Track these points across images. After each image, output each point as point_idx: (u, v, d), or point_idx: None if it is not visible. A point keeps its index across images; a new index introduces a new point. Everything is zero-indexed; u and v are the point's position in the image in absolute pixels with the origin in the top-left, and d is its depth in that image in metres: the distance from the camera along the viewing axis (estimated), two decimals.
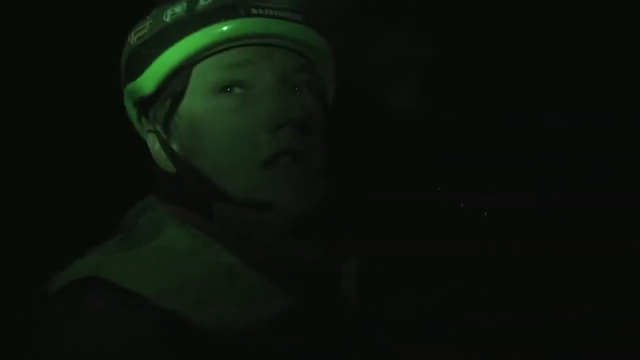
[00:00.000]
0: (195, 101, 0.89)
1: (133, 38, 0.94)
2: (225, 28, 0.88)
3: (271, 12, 0.91)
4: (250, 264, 0.85)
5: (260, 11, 0.90)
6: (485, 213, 2.11)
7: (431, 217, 2.13)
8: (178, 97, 0.91)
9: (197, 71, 0.90)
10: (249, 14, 0.89)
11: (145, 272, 0.80)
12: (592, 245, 2.10)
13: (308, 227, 0.92)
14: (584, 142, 2.17)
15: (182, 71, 0.91)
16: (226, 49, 0.90)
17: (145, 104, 0.96)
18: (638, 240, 2.07)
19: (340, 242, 0.98)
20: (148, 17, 0.94)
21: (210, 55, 0.90)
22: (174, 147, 0.93)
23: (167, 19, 0.90)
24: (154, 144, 0.95)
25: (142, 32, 0.93)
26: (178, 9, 0.90)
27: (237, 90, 0.88)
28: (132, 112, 0.99)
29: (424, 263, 1.96)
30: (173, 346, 0.75)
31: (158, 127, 0.95)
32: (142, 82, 0.92)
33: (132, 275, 0.79)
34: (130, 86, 0.94)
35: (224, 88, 0.89)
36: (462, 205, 2.10)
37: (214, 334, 0.77)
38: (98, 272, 0.79)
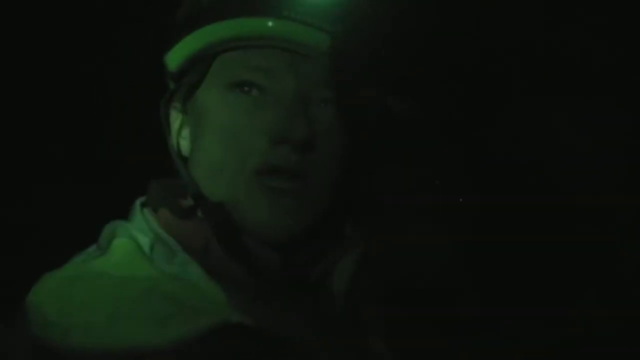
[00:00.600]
0: (211, 91, 0.88)
1: (177, 13, 0.94)
2: (257, 23, 0.87)
3: (308, 19, 0.88)
4: (202, 273, 0.83)
5: (299, 16, 0.87)
6: (461, 199, 2.13)
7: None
8: (195, 83, 0.90)
9: (220, 62, 0.89)
10: (285, 17, 0.87)
11: (59, 293, 0.79)
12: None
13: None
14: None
15: (205, 58, 0.90)
16: (253, 47, 0.87)
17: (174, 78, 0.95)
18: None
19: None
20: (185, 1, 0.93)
21: (235, 49, 0.88)
22: (186, 130, 0.93)
23: (204, 1, 0.89)
24: (175, 121, 0.95)
25: (181, 11, 0.93)
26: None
27: (254, 92, 0.86)
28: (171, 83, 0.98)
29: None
30: None
31: (179, 106, 0.94)
32: (170, 58, 0.93)
33: (51, 295, 0.79)
34: (166, 57, 0.94)
35: (242, 86, 0.86)
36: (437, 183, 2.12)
37: (130, 356, 0.74)
38: (32, 292, 0.80)
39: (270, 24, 0.86)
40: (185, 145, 0.93)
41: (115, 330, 0.74)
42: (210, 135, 0.87)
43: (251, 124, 0.85)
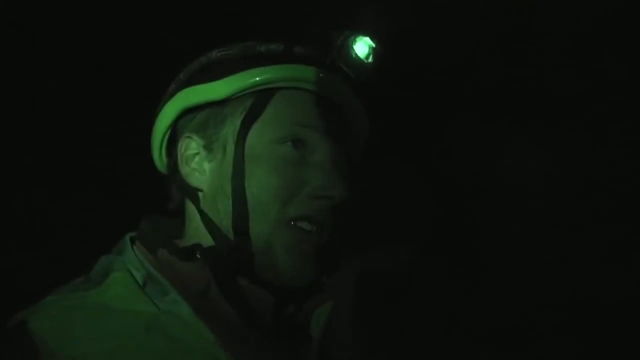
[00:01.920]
0: (262, 140, 0.95)
1: (214, 53, 1.00)
2: (317, 72, 0.98)
3: (348, 76, 1.01)
4: (192, 312, 0.87)
5: (341, 71, 1.00)
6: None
7: None
8: (253, 117, 0.96)
9: (274, 113, 0.96)
10: (332, 70, 0.99)
11: (63, 323, 0.83)
12: None
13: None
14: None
15: (264, 92, 0.97)
16: (305, 90, 0.98)
17: (196, 108, 1.00)
18: None
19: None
20: (234, 46, 1.01)
21: (291, 88, 0.97)
22: (210, 166, 0.98)
23: (262, 49, 0.99)
24: (186, 150, 0.99)
25: (228, 52, 1.00)
26: (274, 46, 0.99)
27: (300, 147, 0.95)
28: (171, 111, 1.02)
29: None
30: None
31: (200, 141, 0.99)
32: (218, 86, 0.97)
33: (49, 322, 0.83)
34: (197, 88, 0.99)
35: (290, 141, 0.95)
36: None
37: None
38: (32, 316, 0.84)
39: (328, 76, 0.99)
40: (199, 178, 0.98)
41: None
42: (256, 180, 0.94)
43: (297, 177, 0.94)
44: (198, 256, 0.93)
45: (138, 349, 0.82)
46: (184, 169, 0.99)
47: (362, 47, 1.02)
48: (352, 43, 1.02)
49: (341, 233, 1.00)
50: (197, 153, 0.98)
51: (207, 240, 0.96)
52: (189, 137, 0.99)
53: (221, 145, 0.97)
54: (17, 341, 0.81)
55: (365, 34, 1.03)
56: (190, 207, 0.99)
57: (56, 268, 1.01)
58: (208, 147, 0.98)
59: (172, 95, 1.02)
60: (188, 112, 1.00)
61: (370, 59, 1.02)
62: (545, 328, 2.24)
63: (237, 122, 0.97)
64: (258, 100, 0.97)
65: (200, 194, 0.98)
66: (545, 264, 2.25)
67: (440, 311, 2.14)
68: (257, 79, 0.96)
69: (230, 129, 0.97)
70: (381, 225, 2.16)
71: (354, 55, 1.01)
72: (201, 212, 0.97)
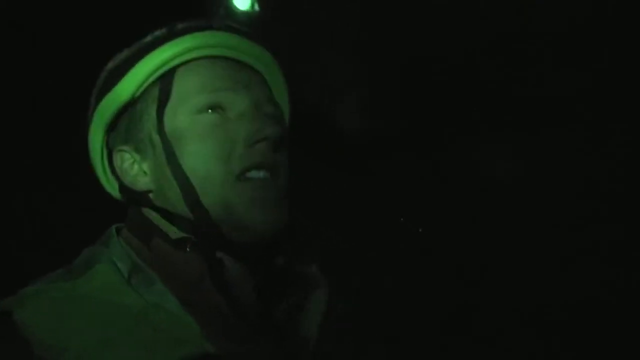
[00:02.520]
0: (178, 118, 0.96)
1: (109, 65, 1.01)
2: (203, 37, 0.98)
3: (238, 31, 1.02)
4: (177, 303, 0.87)
5: (230, 30, 1.01)
6: (420, 230, 2.26)
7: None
8: (163, 102, 0.97)
9: (179, 91, 0.97)
10: (220, 29, 1.00)
11: (51, 314, 0.83)
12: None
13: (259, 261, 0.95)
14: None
15: (165, 76, 0.98)
16: (203, 58, 0.99)
17: (115, 123, 1.00)
18: None
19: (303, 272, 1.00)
20: (125, 49, 1.01)
21: (189, 62, 0.98)
22: (146, 164, 0.98)
23: (148, 39, 0.99)
24: (121, 163, 0.99)
25: (120, 56, 1.00)
26: (158, 32, 0.99)
27: (218, 111, 0.96)
28: (97, 135, 1.02)
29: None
30: None
31: (127, 147, 0.99)
32: (121, 88, 0.98)
33: (37, 314, 0.83)
34: (105, 99, 0.99)
35: (206, 109, 0.95)
36: (420, 230, 2.22)
37: None
38: (17, 307, 0.83)
39: (215, 36, 1.00)
40: (143, 180, 0.98)
41: (104, 355, 0.80)
42: (190, 155, 0.94)
43: (226, 135, 0.94)
44: (187, 249, 0.93)
45: (127, 341, 0.82)
46: (127, 180, 0.99)
47: (242, 1, 1.03)
48: (228, 1, 1.03)
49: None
50: (133, 160, 0.99)
51: (173, 231, 0.96)
52: (119, 150, 1.00)
53: (148, 141, 0.98)
54: (5, 331, 0.81)
55: None
56: (148, 211, 0.99)
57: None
58: (138, 149, 0.98)
59: (90, 119, 1.02)
60: (111, 128, 1.01)
61: (256, 7, 1.03)
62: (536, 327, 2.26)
63: (152, 112, 0.98)
64: (162, 84, 0.98)
65: (151, 195, 0.98)
66: (535, 265, 2.29)
67: (433, 309, 2.15)
68: (151, 64, 0.97)
69: (149, 122, 0.98)
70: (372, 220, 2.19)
71: (235, 10, 1.03)
72: (158, 209, 0.97)
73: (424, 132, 2.35)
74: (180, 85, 0.98)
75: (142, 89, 0.99)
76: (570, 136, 2.30)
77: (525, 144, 2.30)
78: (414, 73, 2.24)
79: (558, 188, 2.31)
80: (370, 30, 2.15)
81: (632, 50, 2.22)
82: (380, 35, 2.17)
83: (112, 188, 1.04)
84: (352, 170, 2.22)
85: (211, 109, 0.95)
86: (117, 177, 1.01)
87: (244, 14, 1.08)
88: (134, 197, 0.99)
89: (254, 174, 0.93)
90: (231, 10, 1.07)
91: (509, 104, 2.31)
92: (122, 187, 1.01)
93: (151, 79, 0.99)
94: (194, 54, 0.99)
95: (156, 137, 0.97)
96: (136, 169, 0.98)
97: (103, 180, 1.05)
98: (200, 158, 0.93)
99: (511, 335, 2.26)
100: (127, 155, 0.99)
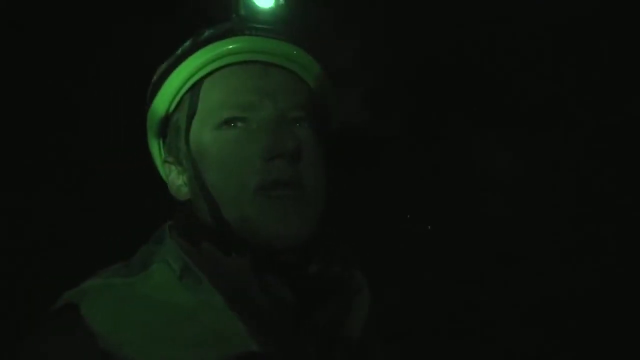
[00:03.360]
0: (203, 133, 0.97)
1: (154, 77, 1.04)
2: (225, 45, 0.99)
3: (263, 32, 1.00)
4: (224, 303, 0.90)
5: (254, 32, 1.00)
6: (429, 227, 2.28)
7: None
8: (190, 116, 0.99)
9: (204, 106, 0.98)
10: (243, 34, 1.00)
11: (111, 307, 0.88)
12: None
13: (300, 265, 0.96)
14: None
15: (194, 88, 0.99)
16: (228, 65, 0.99)
17: (163, 133, 1.05)
18: None
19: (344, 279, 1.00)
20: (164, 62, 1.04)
21: (215, 72, 0.99)
22: (185, 176, 1.01)
23: (178, 51, 1.01)
24: (169, 173, 1.03)
25: (159, 69, 1.03)
26: (187, 42, 1.01)
27: (239, 124, 0.96)
28: (154, 146, 1.07)
29: None
30: None
31: (172, 159, 1.03)
32: (157, 102, 1.02)
33: (100, 308, 0.88)
34: (150, 112, 1.04)
35: (229, 123, 0.96)
36: (429, 227, 2.24)
37: None
38: (79, 300, 0.88)
39: (238, 42, 0.99)
40: (184, 191, 1.02)
41: (160, 350, 0.85)
42: (211, 170, 0.96)
43: (244, 150, 0.95)
44: (233, 254, 0.95)
45: (179, 338, 0.86)
46: (173, 190, 1.03)
47: None
48: (248, 1, 1.03)
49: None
50: (177, 172, 1.02)
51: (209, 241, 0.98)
52: (166, 161, 1.04)
53: (183, 154, 1.00)
54: (73, 324, 0.86)
55: None
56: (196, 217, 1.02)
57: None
58: (178, 161, 1.02)
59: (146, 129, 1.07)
60: (164, 138, 1.06)
61: (281, 1, 1.03)
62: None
63: (184, 125, 1.00)
64: (191, 97, 1.00)
65: (191, 204, 1.00)
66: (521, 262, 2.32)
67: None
68: (179, 78, 1.00)
69: (182, 135, 1.00)
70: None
71: (257, 8, 1.02)
72: (196, 219, 0.99)
73: (424, 130, 2.36)
74: (205, 100, 0.99)
75: (175, 102, 1.02)
76: (566, 134, 2.32)
77: (524, 141, 2.32)
78: (416, 70, 2.25)
79: (555, 184, 2.33)
80: (375, 28, 2.15)
81: (630, 50, 2.24)
82: (383, 33, 2.17)
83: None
84: (352, 167, 2.22)
85: (232, 123, 0.96)
86: None
87: (264, 10, 1.04)
88: (178, 206, 1.02)
89: (271, 192, 0.93)
90: (252, 8, 1.03)
91: (508, 101, 2.33)
92: (172, 195, 1.04)
93: (182, 92, 1.01)
94: (218, 64, 0.99)
95: (186, 152, 0.99)
96: (180, 180, 1.02)
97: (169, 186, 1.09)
98: (219, 173, 0.95)
99: (510, 330, 2.29)
100: (172, 167, 1.03)
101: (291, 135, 0.94)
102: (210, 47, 0.99)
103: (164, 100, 1.02)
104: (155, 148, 1.08)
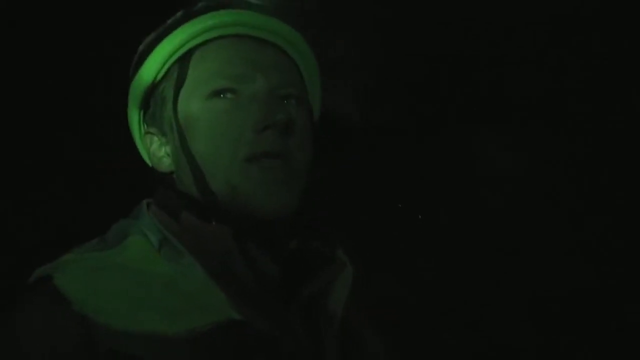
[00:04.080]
0: (191, 103, 0.96)
1: (139, 47, 1.03)
2: (219, 16, 0.99)
3: (257, 8, 1.01)
4: (204, 273, 0.89)
5: (249, 7, 1.00)
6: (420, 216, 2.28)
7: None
8: (179, 86, 0.98)
9: (195, 75, 0.98)
10: (237, 7, 1.00)
11: (90, 281, 0.86)
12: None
13: (284, 237, 0.97)
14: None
15: (183, 59, 0.99)
16: (220, 38, 0.99)
17: (146, 104, 1.04)
18: None
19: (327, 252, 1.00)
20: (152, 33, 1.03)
21: (206, 43, 0.99)
22: (169, 147, 1.00)
23: (169, 21, 1.01)
24: (150, 144, 1.02)
25: (147, 39, 1.02)
26: (178, 14, 1.01)
27: (229, 95, 0.96)
28: (134, 116, 1.06)
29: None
30: (92, 351, 0.80)
31: (154, 130, 1.02)
32: (144, 70, 1.01)
33: (77, 282, 0.85)
34: (134, 81, 1.03)
35: (218, 93, 0.96)
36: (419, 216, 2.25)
37: (145, 340, 0.81)
38: (53, 272, 0.87)
39: (231, 15, 0.99)
40: (166, 162, 1.01)
41: (137, 317, 0.83)
42: (199, 140, 0.95)
43: (235, 121, 0.94)
44: (213, 222, 0.95)
45: (157, 306, 0.85)
46: (154, 161, 1.02)
47: None
48: None
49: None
50: (160, 143, 1.01)
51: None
52: (148, 132, 1.03)
53: (168, 124, 1.00)
54: (48, 293, 0.85)
55: None
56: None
57: None
58: (162, 132, 1.01)
59: (128, 101, 1.06)
60: (146, 109, 1.05)
61: None
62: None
63: (171, 95, 0.99)
64: (180, 67, 0.99)
65: (173, 176, 1.01)
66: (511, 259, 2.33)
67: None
68: (169, 46, 0.99)
69: (169, 105, 1.00)
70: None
71: None
72: (177, 191, 0.99)
73: (419, 121, 2.36)
74: (195, 69, 0.98)
75: (163, 71, 1.01)
76: (560, 129, 2.33)
77: (521, 134, 2.33)
78: (411, 63, 2.26)
79: (552, 178, 2.34)
80: (370, 19, 2.16)
81: (623, 46, 2.25)
82: (379, 25, 2.18)
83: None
84: (348, 158, 2.24)
85: (222, 94, 0.96)
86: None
87: None
88: (159, 178, 1.02)
89: (260, 162, 0.93)
90: None
91: (505, 94, 2.33)
92: (152, 167, 1.04)
93: (170, 62, 1.00)
94: (211, 34, 0.99)
95: (173, 121, 0.98)
96: (163, 152, 1.01)
97: (145, 157, 1.09)
98: (209, 143, 0.94)
99: (505, 322, 2.29)
100: (155, 138, 1.02)
101: (282, 109, 0.95)
102: (203, 17, 0.99)
103: (151, 69, 1.01)
104: (135, 120, 1.07)
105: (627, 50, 2.28)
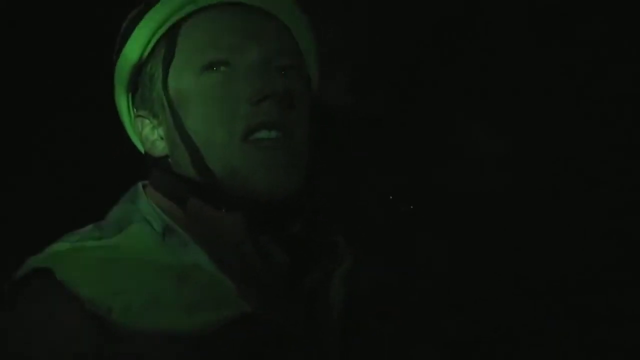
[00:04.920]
0: (183, 78, 0.91)
1: (124, 24, 0.97)
2: None
3: None
4: (213, 264, 0.85)
5: None
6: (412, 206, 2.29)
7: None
8: (168, 61, 0.93)
9: (184, 48, 0.92)
10: None
11: (97, 274, 0.81)
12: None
13: (287, 224, 0.92)
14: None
15: (170, 33, 0.93)
16: (207, 8, 0.93)
17: (133, 86, 0.98)
18: None
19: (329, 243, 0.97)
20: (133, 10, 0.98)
21: (193, 15, 0.93)
22: (162, 128, 0.94)
23: None
24: (141, 129, 0.96)
25: (129, 16, 0.96)
26: None
27: (222, 68, 0.90)
28: (121, 99, 1.00)
29: None
30: (104, 352, 0.77)
31: (145, 112, 0.96)
32: (128, 49, 0.95)
33: (83, 275, 0.80)
34: (119, 62, 0.97)
35: (210, 66, 0.90)
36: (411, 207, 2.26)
37: (160, 338, 0.78)
38: (52, 264, 0.81)
39: None
40: (160, 146, 0.95)
41: (150, 314, 0.79)
42: (193, 118, 0.90)
43: (229, 95, 0.89)
44: (224, 210, 0.90)
45: (171, 301, 0.81)
46: (147, 146, 0.96)
47: None
48: None
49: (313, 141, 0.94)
50: (152, 126, 0.96)
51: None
52: (138, 116, 0.97)
53: (159, 103, 0.94)
54: (52, 289, 0.80)
55: None
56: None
57: None
58: (153, 113, 0.95)
59: (113, 83, 1.00)
60: (134, 91, 0.99)
61: None
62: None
63: (160, 72, 0.94)
64: (167, 42, 0.94)
65: (168, 160, 0.95)
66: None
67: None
68: (152, 22, 0.93)
69: (158, 84, 0.94)
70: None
71: None
72: (175, 175, 0.94)
73: (407, 109, 2.37)
74: (184, 43, 0.93)
75: (149, 48, 0.96)
76: (549, 109, 2.35)
77: (510, 120, 2.35)
78: (398, 50, 2.26)
79: (539, 162, 2.35)
80: (356, 8, 2.16)
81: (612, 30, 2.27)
82: (365, 13, 2.18)
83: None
84: (338, 147, 2.24)
85: (215, 67, 0.90)
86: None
87: None
88: (154, 162, 0.96)
89: (260, 134, 0.88)
90: None
91: (493, 80, 2.35)
92: (145, 152, 0.98)
93: (156, 38, 0.95)
94: (199, 4, 0.94)
95: (164, 100, 0.93)
96: (155, 135, 0.95)
97: (137, 143, 1.04)
98: (203, 120, 0.89)
99: (498, 305, 2.31)
100: (146, 121, 0.96)
101: (280, 80, 0.89)
102: None
103: (136, 46, 0.95)
104: (124, 104, 1.01)
105: (606, 36, 2.30)
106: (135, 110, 0.99)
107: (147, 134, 0.96)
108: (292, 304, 0.89)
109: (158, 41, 0.95)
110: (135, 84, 0.98)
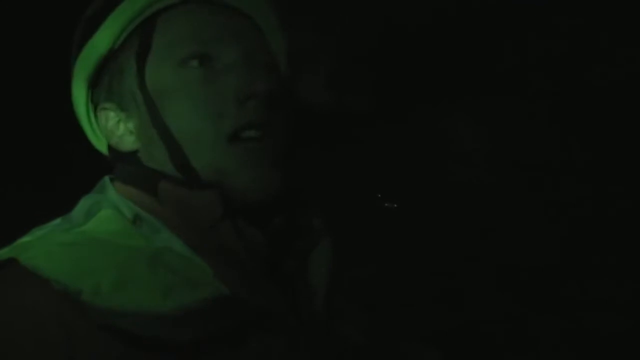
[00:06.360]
0: (161, 72, 0.89)
1: (87, 12, 0.94)
2: None
3: None
4: (187, 248, 0.83)
5: None
6: (395, 205, 2.30)
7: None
8: (144, 54, 0.90)
9: (163, 39, 0.90)
10: None
11: (63, 257, 0.79)
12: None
13: (266, 211, 0.89)
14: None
15: (145, 25, 0.91)
16: (185, 3, 0.91)
17: (96, 77, 0.94)
18: None
19: (308, 225, 0.96)
20: None
21: (170, 8, 0.91)
22: (132, 123, 0.91)
23: None
24: (105, 122, 0.93)
25: (98, 2, 0.93)
26: None
27: (203, 62, 0.88)
28: (80, 91, 0.96)
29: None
30: (78, 338, 0.74)
31: (110, 105, 0.92)
32: (98, 39, 0.91)
33: (49, 259, 0.78)
34: (84, 51, 0.92)
35: (191, 60, 0.88)
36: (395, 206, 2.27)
37: (133, 322, 0.75)
38: (20, 254, 0.78)
39: None
40: (128, 140, 0.92)
41: (122, 295, 0.77)
42: (176, 114, 0.87)
43: (214, 93, 0.87)
44: (197, 189, 0.88)
45: (143, 283, 0.78)
46: (113, 141, 0.93)
47: None
48: None
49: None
50: (119, 119, 0.92)
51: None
52: (103, 108, 0.93)
53: (131, 97, 0.91)
54: (17, 274, 0.77)
55: None
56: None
57: None
58: (122, 107, 0.92)
59: (72, 73, 0.95)
60: (95, 83, 0.95)
61: None
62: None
63: (133, 65, 0.91)
64: (143, 34, 0.91)
65: (138, 154, 0.92)
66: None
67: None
68: (128, 11, 0.90)
69: (131, 77, 0.91)
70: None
71: None
72: (146, 169, 0.91)
73: (390, 105, 2.38)
74: (162, 35, 0.90)
75: (121, 39, 0.92)
76: (530, 105, 2.36)
77: (496, 112, 2.36)
78: (380, 44, 2.26)
79: (522, 155, 2.37)
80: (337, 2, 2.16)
81: (591, 19, 2.29)
82: (346, 7, 2.18)
83: (102, 146, 0.99)
84: (321, 145, 2.24)
85: (197, 61, 0.88)
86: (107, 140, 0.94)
87: None
88: (121, 157, 0.93)
89: (246, 133, 0.86)
90: None
91: (477, 72, 2.36)
92: (109, 147, 0.95)
93: (130, 28, 0.91)
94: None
95: (138, 94, 0.90)
96: (122, 129, 0.92)
97: (92, 138, 1.00)
98: (189, 118, 0.87)
99: (482, 298, 2.33)
100: (111, 114, 0.93)
101: (262, 77, 0.87)
102: None
103: (107, 36, 0.91)
104: (82, 95, 0.96)
105: (588, 26, 2.31)
106: (102, 102, 0.95)
107: (112, 127, 0.93)
108: (272, 286, 0.88)
109: (131, 32, 0.92)
110: (98, 75, 0.94)
